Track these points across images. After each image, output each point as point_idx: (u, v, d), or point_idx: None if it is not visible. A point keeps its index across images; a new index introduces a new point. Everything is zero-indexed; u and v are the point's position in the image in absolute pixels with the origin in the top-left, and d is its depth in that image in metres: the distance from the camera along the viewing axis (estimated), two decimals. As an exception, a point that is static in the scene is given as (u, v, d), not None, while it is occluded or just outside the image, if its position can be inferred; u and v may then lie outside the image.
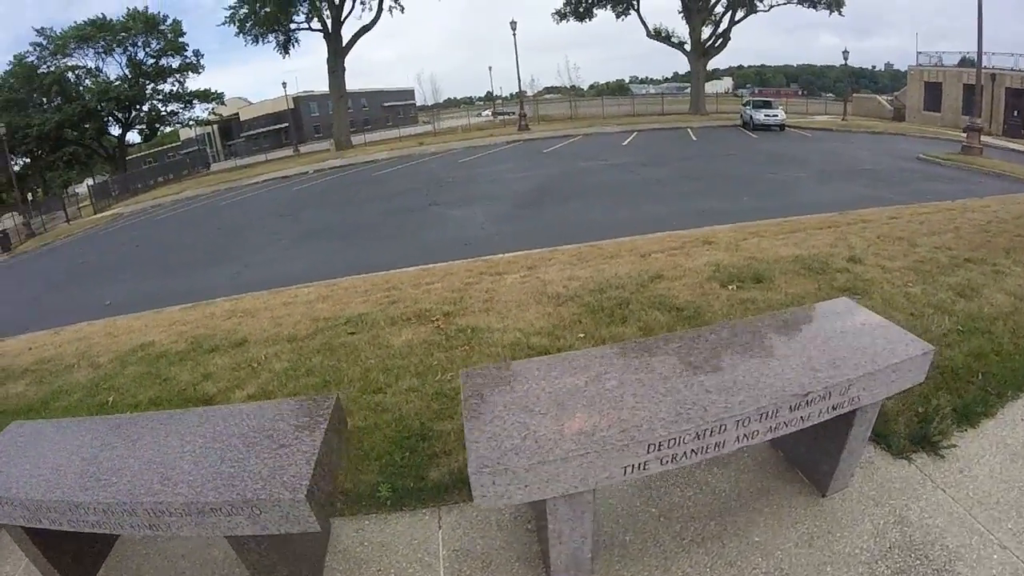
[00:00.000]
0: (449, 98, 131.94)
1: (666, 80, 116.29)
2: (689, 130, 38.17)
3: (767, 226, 10.14)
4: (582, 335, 5.46)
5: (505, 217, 15.28)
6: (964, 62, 47.02)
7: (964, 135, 25.41)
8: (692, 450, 2.43)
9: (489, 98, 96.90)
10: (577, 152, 29.58)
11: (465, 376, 2.98)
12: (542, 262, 8.59)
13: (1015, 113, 44.00)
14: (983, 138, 28.07)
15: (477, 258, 9.61)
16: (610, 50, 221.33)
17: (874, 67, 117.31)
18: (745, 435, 2.53)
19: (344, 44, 48.29)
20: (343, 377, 5.23)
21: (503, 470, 2.27)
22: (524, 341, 5.43)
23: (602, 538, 3.16)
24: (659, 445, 2.34)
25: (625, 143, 32.67)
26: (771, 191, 16.43)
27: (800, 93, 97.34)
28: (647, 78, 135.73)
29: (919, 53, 52.67)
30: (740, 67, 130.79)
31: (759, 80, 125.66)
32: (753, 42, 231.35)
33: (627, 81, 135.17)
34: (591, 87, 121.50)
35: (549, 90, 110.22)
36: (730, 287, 6.53)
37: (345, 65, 49.21)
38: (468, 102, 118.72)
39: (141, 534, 2.55)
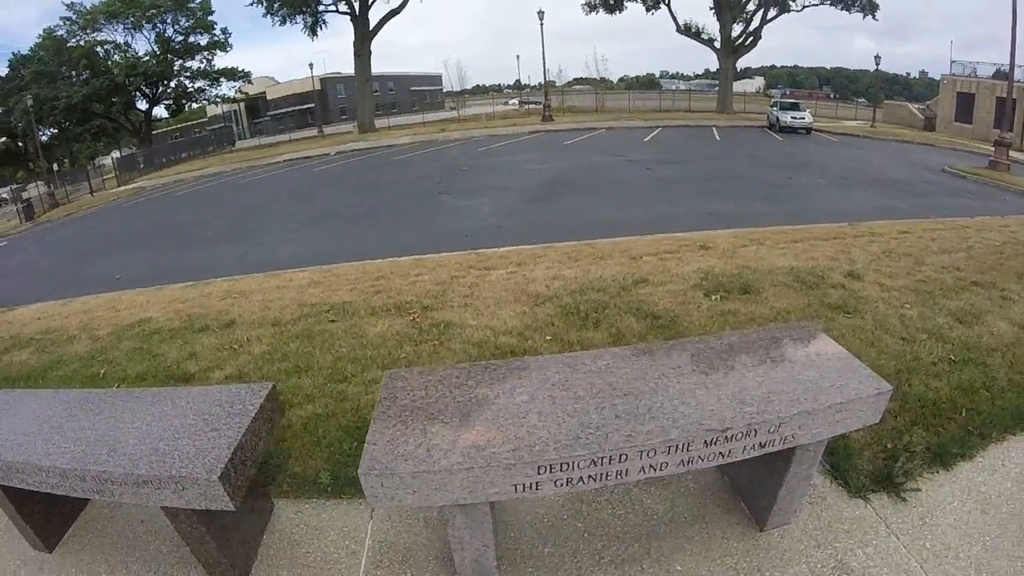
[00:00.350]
0: (478, 85, 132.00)
1: (697, 76, 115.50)
2: (714, 129, 37.83)
3: (771, 233, 9.95)
4: (549, 338, 5.42)
5: (512, 210, 15.22)
6: (999, 74, 44.91)
7: (993, 149, 24.82)
8: (589, 476, 2.37)
9: (518, 86, 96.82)
10: (597, 146, 29.38)
11: (388, 377, 2.99)
12: (533, 259, 8.54)
13: None
14: (1013, 154, 27.59)
15: (472, 251, 9.56)
16: (641, 43, 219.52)
17: (908, 74, 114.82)
18: (651, 466, 2.43)
19: (371, 28, 48.35)
20: (314, 364, 5.32)
21: (391, 474, 2.30)
22: (492, 340, 5.41)
23: (520, 547, 3.16)
24: (550, 468, 2.30)
25: (647, 139, 32.43)
26: (786, 196, 16.15)
27: (832, 96, 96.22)
28: (678, 73, 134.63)
29: (953, 62, 51.82)
30: (773, 67, 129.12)
31: (791, 81, 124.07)
32: (787, 42, 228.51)
33: (657, 75, 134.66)
34: (621, 79, 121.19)
35: (578, 81, 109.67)
36: (714, 297, 6.37)
37: (371, 49, 49.34)
38: (497, 89, 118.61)
39: (92, 498, 2.83)
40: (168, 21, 51.61)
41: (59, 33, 48.01)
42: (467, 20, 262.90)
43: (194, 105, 61.88)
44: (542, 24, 44.49)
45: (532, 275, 7.50)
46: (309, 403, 4.59)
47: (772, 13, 50.86)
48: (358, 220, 15.63)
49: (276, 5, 48.08)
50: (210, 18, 53.38)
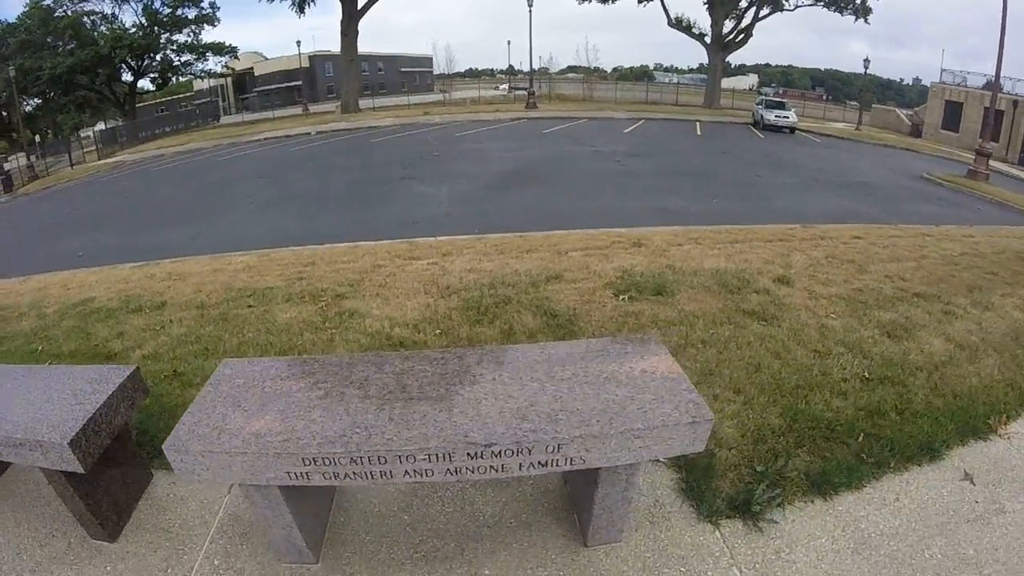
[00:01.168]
0: (470, 68, 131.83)
1: (691, 70, 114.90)
2: (697, 124, 37.75)
3: (714, 232, 9.99)
4: (439, 332, 5.54)
5: (467, 198, 15.27)
6: (989, 85, 44.99)
7: (973, 158, 24.85)
8: (353, 472, 2.48)
9: (511, 72, 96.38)
10: (575, 135, 29.42)
11: (221, 365, 3.14)
12: (460, 250, 8.65)
13: None
14: (997, 164, 27.65)
15: (406, 240, 9.65)
16: (637, 35, 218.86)
17: (902, 80, 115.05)
18: (415, 471, 2.50)
19: (359, 7, 47.96)
20: (220, 347, 5.47)
21: (186, 452, 2.49)
22: (387, 331, 5.56)
23: (347, 532, 3.31)
24: (315, 460, 2.43)
25: (627, 130, 32.47)
26: (748, 195, 16.22)
27: (824, 98, 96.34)
28: (672, 67, 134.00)
29: (943, 70, 52.36)
30: (767, 65, 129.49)
31: (785, 80, 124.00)
32: (783, 41, 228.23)
33: (651, 68, 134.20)
34: (615, 70, 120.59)
35: (571, 69, 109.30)
36: (623, 297, 6.37)
37: (360, 29, 48.82)
38: (489, 74, 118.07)
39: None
40: (156, -7, 51.09)
41: (46, 2, 47.43)
42: (463, 2, 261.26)
43: (180, 79, 61.43)
44: (531, 10, 44.37)
45: (451, 267, 7.61)
46: (206, 384, 4.76)
47: (765, 11, 50.89)
48: (318, 203, 15.70)
49: (263, -20, 47.69)
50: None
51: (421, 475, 2.52)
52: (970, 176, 23.66)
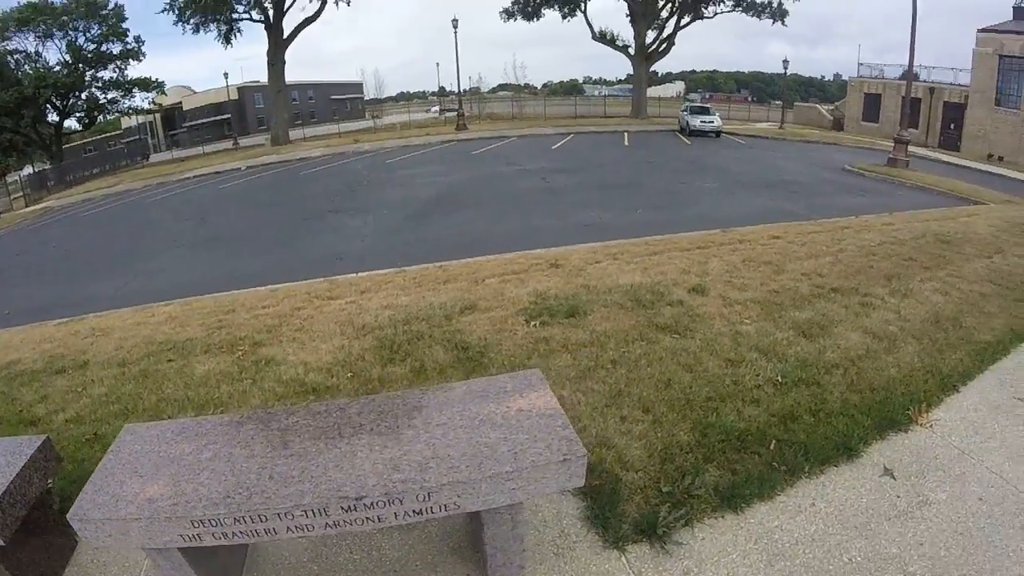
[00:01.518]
0: (402, 92, 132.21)
1: (619, 81, 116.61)
2: (626, 134, 38.57)
3: (633, 246, 10.12)
4: (351, 375, 5.60)
5: (393, 229, 15.39)
6: (905, 75, 47.98)
7: (893, 146, 25.87)
8: (240, 531, 2.57)
9: (442, 93, 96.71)
10: (504, 155, 29.77)
11: (124, 431, 3.24)
12: (378, 285, 8.70)
13: (951, 126, 46.64)
14: (918, 150, 28.74)
15: (328, 278, 9.72)
16: (564, 50, 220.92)
17: (823, 77, 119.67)
18: (296, 527, 2.58)
19: (285, 36, 47.78)
20: (139, 406, 5.40)
21: (88, 520, 2.62)
22: (301, 377, 5.59)
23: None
24: (202, 522, 2.55)
25: (556, 146, 33.00)
26: (672, 203, 16.68)
27: (749, 99, 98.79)
28: (600, 79, 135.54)
29: (860, 65, 54.93)
30: (693, 71, 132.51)
31: (710, 85, 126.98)
32: (706, 47, 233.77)
33: (581, 81, 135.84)
34: (544, 86, 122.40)
35: (502, 87, 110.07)
36: (534, 323, 6.30)
37: (287, 58, 48.71)
38: (421, 96, 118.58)
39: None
40: (80, 29, 50.13)
41: (-33, 42, 46.16)
42: (393, 26, 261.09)
43: (108, 117, 60.28)
44: (456, 32, 44.93)
45: (368, 304, 7.65)
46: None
47: (685, 20, 52.62)
48: (246, 243, 15.68)
49: (188, 13, 46.96)
50: (123, 25, 52.04)
51: (302, 530, 2.60)
52: (890, 164, 24.66)
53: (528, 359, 5.49)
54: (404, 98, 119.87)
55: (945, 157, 35.79)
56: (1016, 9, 45.79)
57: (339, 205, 19.53)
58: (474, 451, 2.72)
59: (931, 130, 47.34)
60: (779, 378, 4.75)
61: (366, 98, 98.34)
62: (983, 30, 45.45)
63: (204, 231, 18.19)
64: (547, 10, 55.78)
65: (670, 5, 52.66)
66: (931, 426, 4.25)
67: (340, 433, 2.99)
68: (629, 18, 52.73)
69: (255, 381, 5.69)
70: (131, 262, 15.20)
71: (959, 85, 47.02)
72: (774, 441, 3.93)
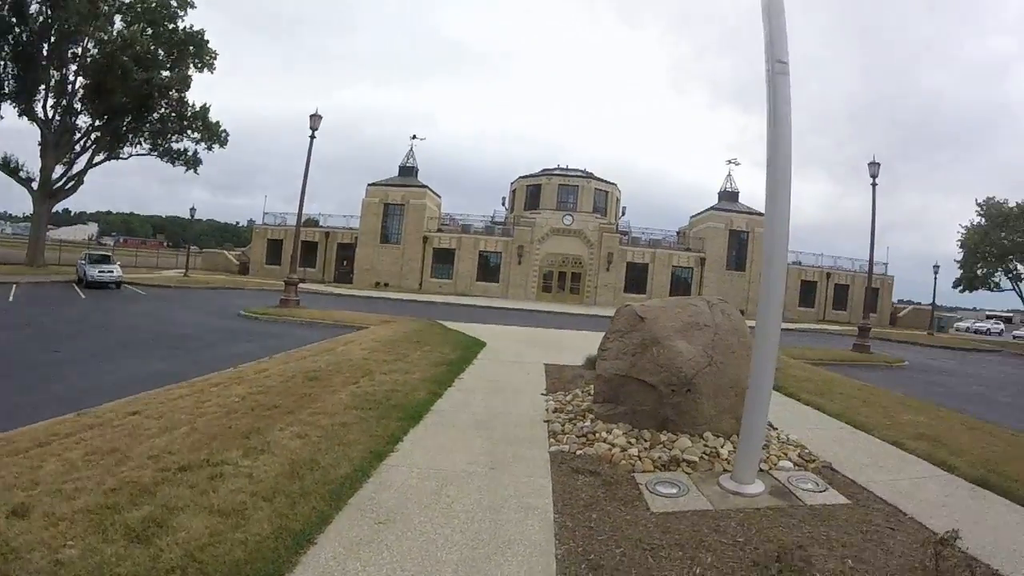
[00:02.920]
0: None
1: (26, 218, 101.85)
2: (13, 287, 30.88)
3: None
4: None
5: None
6: (309, 222, 57.69)
7: (283, 287, 27.47)
8: None
9: None
10: None
11: None
12: None
13: (344, 263, 57.33)
14: (316, 286, 31.84)
15: None
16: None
17: (237, 223, 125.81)
18: None
19: None
20: None
21: None
22: None
23: None
24: None
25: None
26: (27, 383, 11.53)
27: (165, 244, 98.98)
28: (5, 213, 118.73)
29: (266, 213, 62.24)
30: (109, 212, 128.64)
31: (126, 228, 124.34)
32: (126, 189, 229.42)
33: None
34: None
35: None
36: None
37: None
38: None
39: None
40: None
41: None
42: None
43: None
44: None
45: None
46: None
47: (100, 157, 47.55)
48: None
49: None
50: None
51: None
52: (282, 304, 26.23)
53: None
54: None
55: (339, 290, 41.46)
56: (402, 168, 60.22)
57: None
58: None
59: (327, 267, 57.37)
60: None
61: None
62: (372, 184, 58.14)
63: None
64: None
65: (84, 140, 46.83)
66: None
67: None
68: (40, 147, 44.33)
69: None
70: None
71: (350, 228, 58.79)
72: None
